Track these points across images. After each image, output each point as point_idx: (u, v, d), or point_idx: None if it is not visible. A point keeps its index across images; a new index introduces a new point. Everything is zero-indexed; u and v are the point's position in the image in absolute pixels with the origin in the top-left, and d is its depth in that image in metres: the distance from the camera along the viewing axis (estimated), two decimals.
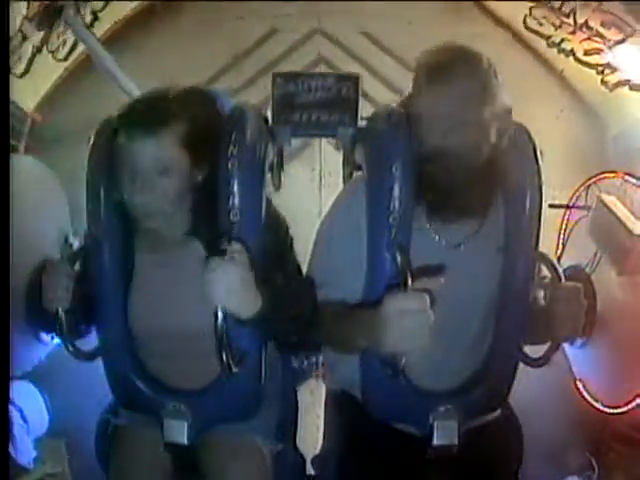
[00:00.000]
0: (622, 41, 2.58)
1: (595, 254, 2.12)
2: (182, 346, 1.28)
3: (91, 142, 1.29)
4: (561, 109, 2.76)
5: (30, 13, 2.59)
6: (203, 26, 2.74)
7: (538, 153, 1.28)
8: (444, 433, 1.26)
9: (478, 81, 1.19)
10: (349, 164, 1.69)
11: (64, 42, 2.75)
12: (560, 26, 2.77)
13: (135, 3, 2.79)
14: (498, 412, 1.39)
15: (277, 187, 1.71)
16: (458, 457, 1.27)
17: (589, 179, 2.35)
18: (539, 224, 1.31)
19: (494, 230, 1.29)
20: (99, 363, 1.36)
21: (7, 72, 1.38)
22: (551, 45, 2.84)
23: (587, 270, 2.12)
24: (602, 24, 2.64)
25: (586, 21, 2.69)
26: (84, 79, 2.69)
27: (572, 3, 2.68)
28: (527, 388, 1.49)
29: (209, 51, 2.66)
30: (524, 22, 2.85)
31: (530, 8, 2.80)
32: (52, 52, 2.75)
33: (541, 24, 2.83)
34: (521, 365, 1.36)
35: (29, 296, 1.74)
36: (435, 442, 1.26)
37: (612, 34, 2.61)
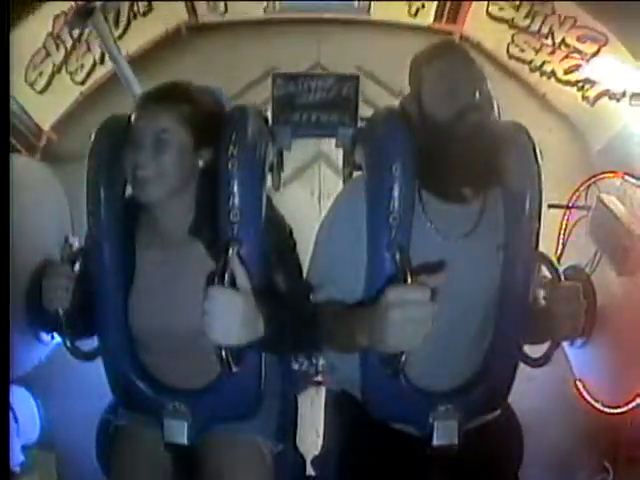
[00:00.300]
0: (597, 52, 2.75)
1: (595, 254, 2.12)
2: (182, 346, 1.28)
3: (92, 140, 1.29)
4: (549, 129, 2.82)
5: (55, 30, 2.69)
6: (225, 50, 2.85)
7: (538, 153, 1.28)
8: (444, 433, 1.26)
9: (473, 59, 1.26)
10: (349, 164, 1.69)
11: (82, 66, 2.91)
12: (540, 49, 2.95)
13: (154, 31, 2.99)
14: (498, 412, 1.39)
15: (277, 188, 1.72)
16: (458, 457, 1.27)
17: (589, 179, 2.35)
18: (539, 224, 1.31)
19: (493, 228, 1.29)
20: (95, 374, 1.36)
21: (7, 72, 1.38)
22: (533, 69, 3.00)
23: (587, 270, 2.12)
24: (578, 39, 2.82)
25: (563, 39, 2.87)
26: (99, 104, 2.74)
27: (549, 23, 2.85)
28: (527, 388, 1.50)
29: (228, 74, 2.73)
30: (507, 51, 3.02)
31: (512, 35, 2.97)
32: (71, 73, 2.88)
33: (523, 50, 3.00)
34: (521, 365, 1.36)
35: (29, 296, 1.73)
36: (435, 442, 1.26)
37: (588, 47, 2.78)
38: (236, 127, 1.24)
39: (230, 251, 1.19)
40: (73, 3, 2.59)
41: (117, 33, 2.86)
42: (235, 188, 1.21)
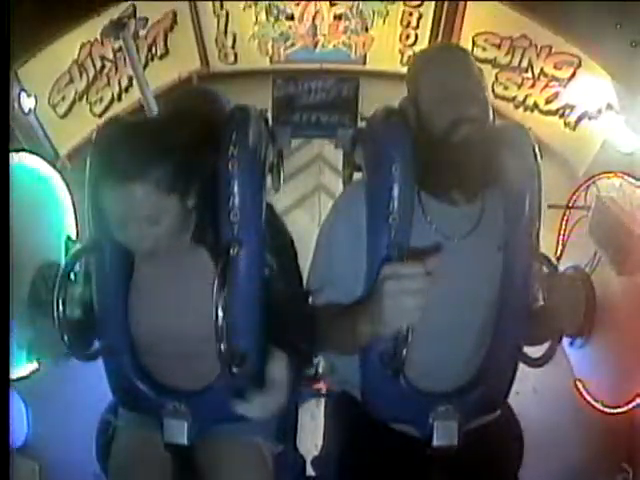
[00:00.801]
0: (573, 75, 2.85)
1: (595, 254, 2.12)
2: (182, 347, 1.28)
3: (94, 140, 1.29)
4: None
5: (80, 58, 2.81)
6: (233, 97, 2.97)
7: (538, 154, 1.28)
8: (444, 433, 1.26)
9: (472, 64, 1.26)
10: (349, 165, 1.69)
11: (101, 99, 3.03)
12: (522, 83, 3.09)
13: (167, 76, 3.22)
14: (498, 412, 1.40)
15: (277, 189, 1.72)
16: (458, 457, 1.27)
17: (589, 179, 2.35)
18: (539, 224, 1.31)
19: (493, 228, 1.29)
20: (84, 390, 1.35)
21: (7, 72, 1.38)
22: (517, 105, 3.15)
23: (587, 270, 2.12)
24: (555, 66, 2.93)
25: (542, 69, 2.98)
26: None
27: (528, 55, 2.99)
28: (527, 388, 1.50)
29: None
30: (492, 89, 3.12)
31: (496, 74, 3.12)
32: (90, 104, 2.99)
33: (506, 87, 3.15)
34: (521, 365, 1.36)
35: (29, 296, 1.74)
36: (435, 443, 1.26)
37: (564, 73, 2.90)
38: (236, 127, 1.24)
39: (231, 251, 1.20)
40: (99, 34, 2.76)
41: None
42: (235, 188, 1.21)
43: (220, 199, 1.22)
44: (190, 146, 1.17)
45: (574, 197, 2.40)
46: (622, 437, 2.16)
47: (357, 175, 1.69)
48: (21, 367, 1.95)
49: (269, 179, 1.74)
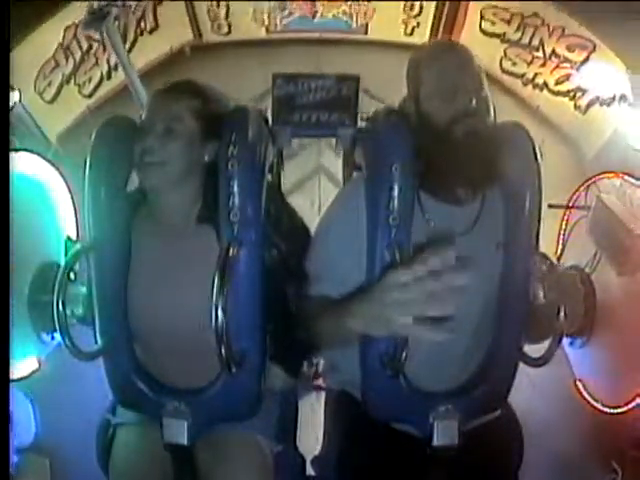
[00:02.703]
0: (586, 59, 2.77)
1: (595, 254, 2.12)
2: (182, 343, 1.28)
3: (93, 139, 1.29)
4: (542, 140, 2.85)
5: (65, 41, 2.73)
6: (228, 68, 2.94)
7: (538, 153, 1.28)
8: (444, 433, 1.26)
9: (472, 60, 1.26)
10: (349, 164, 1.69)
11: (90, 79, 2.94)
12: (532, 61, 2.98)
13: (159, 50, 3.05)
14: (498, 412, 1.39)
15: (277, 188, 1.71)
16: (458, 457, 1.27)
17: (589, 179, 2.35)
18: (539, 224, 1.31)
19: (492, 226, 1.29)
20: (90, 383, 1.36)
21: (7, 72, 1.38)
22: (526, 83, 3.03)
23: (587, 270, 2.12)
24: (567, 48, 2.84)
25: (553, 49, 2.89)
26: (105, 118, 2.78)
27: (539, 34, 2.89)
28: (527, 388, 1.50)
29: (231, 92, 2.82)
30: (500, 65, 3.03)
31: (504, 50, 3.01)
32: (79, 85, 2.91)
33: (515, 63, 3.03)
34: (521, 365, 1.36)
35: (29, 296, 1.74)
36: (435, 442, 1.26)
37: (577, 55, 2.81)
38: (236, 127, 1.24)
39: (230, 251, 1.20)
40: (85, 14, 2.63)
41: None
42: (235, 188, 1.21)
43: (220, 198, 1.22)
44: (218, 110, 1.31)
45: (574, 197, 2.40)
46: (616, 436, 2.17)
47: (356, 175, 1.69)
48: (21, 366, 1.95)
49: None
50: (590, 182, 2.33)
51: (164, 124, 1.25)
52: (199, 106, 1.28)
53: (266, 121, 1.49)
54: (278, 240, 1.30)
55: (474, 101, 1.21)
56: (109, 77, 3.00)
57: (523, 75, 3.03)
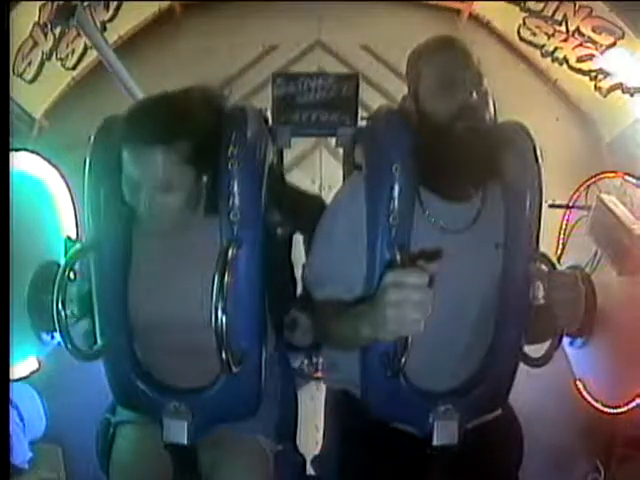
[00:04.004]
0: (613, 45, 2.68)
1: (595, 254, 2.12)
2: (183, 343, 1.28)
3: (92, 139, 1.29)
4: (556, 118, 2.78)
5: (41, 19, 2.64)
6: (222, 30, 2.79)
7: (538, 153, 1.28)
8: (444, 433, 1.26)
9: (471, 55, 1.26)
10: (349, 164, 1.69)
11: (73, 51, 2.84)
12: (553, 34, 2.87)
13: (146, 12, 2.86)
14: (498, 412, 1.39)
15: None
16: (458, 457, 1.27)
17: (589, 179, 2.35)
18: (539, 224, 1.31)
19: (492, 225, 1.29)
20: (98, 370, 1.36)
21: (7, 72, 1.38)
22: (545, 54, 2.93)
23: (587, 270, 2.11)
24: (593, 29, 2.75)
25: (578, 27, 2.79)
26: (91, 88, 2.70)
27: (563, 10, 2.77)
28: (527, 388, 1.50)
29: (226, 54, 2.68)
30: (518, 33, 2.93)
31: (524, 18, 2.89)
32: (61, 60, 2.83)
33: (534, 34, 2.92)
34: (521, 365, 1.36)
35: (29, 296, 1.73)
36: (435, 442, 1.26)
37: (603, 39, 2.71)
38: (236, 127, 1.24)
39: (230, 251, 1.20)
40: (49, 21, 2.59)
41: (107, 16, 2.79)
42: (235, 188, 1.21)
43: (220, 198, 1.22)
44: (211, 125, 1.23)
45: (574, 197, 2.40)
46: (616, 436, 2.17)
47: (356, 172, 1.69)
48: (21, 367, 1.95)
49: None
50: (590, 182, 2.33)
51: (155, 186, 1.17)
52: (186, 146, 1.17)
53: (266, 121, 1.49)
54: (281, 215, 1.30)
55: (474, 96, 1.21)
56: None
57: (542, 46, 2.92)
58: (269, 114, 1.65)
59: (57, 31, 2.73)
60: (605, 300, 2.01)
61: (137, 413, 1.35)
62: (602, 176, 2.29)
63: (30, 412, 2.14)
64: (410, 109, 1.29)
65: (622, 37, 2.66)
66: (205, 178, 1.24)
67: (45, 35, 2.73)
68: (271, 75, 1.75)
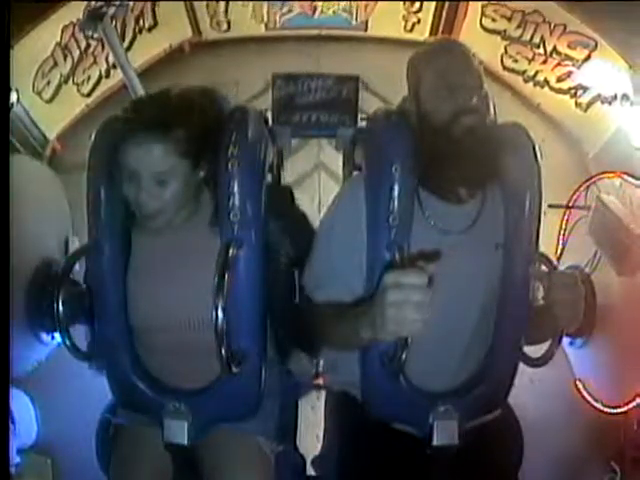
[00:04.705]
0: (588, 58, 2.76)
1: (595, 254, 2.12)
2: (183, 343, 1.28)
3: (92, 140, 1.29)
4: (542, 139, 2.84)
5: (63, 40, 2.73)
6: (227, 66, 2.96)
7: (538, 153, 1.28)
8: (444, 433, 1.26)
9: (471, 58, 1.27)
10: (349, 165, 1.69)
11: (88, 77, 2.94)
12: (533, 58, 2.98)
13: (158, 47, 3.06)
14: (498, 412, 1.39)
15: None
16: (458, 457, 1.27)
17: (589, 179, 2.35)
18: (539, 224, 1.31)
19: (492, 226, 1.29)
20: (93, 382, 1.36)
21: (7, 72, 1.38)
22: (527, 80, 3.04)
23: (587, 270, 2.12)
24: (569, 45, 2.83)
25: (554, 47, 2.88)
26: (103, 117, 2.76)
27: (540, 32, 2.88)
28: (527, 388, 1.50)
29: (230, 89, 2.79)
30: (501, 62, 3.04)
31: (505, 47, 3.01)
32: (77, 85, 2.91)
33: (516, 60, 3.03)
34: (521, 365, 1.36)
35: (29, 296, 1.74)
36: (435, 442, 1.26)
37: (578, 53, 2.80)
38: (236, 127, 1.24)
39: (230, 251, 1.20)
40: (81, 15, 2.66)
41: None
42: (235, 188, 1.21)
43: (220, 198, 1.22)
44: (211, 120, 1.25)
45: (574, 197, 2.40)
46: (616, 436, 2.17)
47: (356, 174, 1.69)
48: (21, 366, 1.95)
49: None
50: (590, 182, 2.33)
51: (152, 179, 1.20)
52: (184, 138, 1.20)
53: (266, 121, 1.49)
54: (285, 242, 1.30)
55: (474, 98, 1.21)
56: (107, 75, 3.00)
57: (524, 72, 3.03)
58: (269, 114, 1.66)
59: (76, 55, 2.83)
60: (605, 300, 2.01)
61: (137, 413, 1.35)
62: (602, 176, 2.29)
63: (22, 416, 2.15)
64: (410, 109, 1.29)
65: (595, 48, 2.73)
66: (202, 173, 1.25)
67: (65, 57, 2.80)
68: (271, 76, 1.76)
